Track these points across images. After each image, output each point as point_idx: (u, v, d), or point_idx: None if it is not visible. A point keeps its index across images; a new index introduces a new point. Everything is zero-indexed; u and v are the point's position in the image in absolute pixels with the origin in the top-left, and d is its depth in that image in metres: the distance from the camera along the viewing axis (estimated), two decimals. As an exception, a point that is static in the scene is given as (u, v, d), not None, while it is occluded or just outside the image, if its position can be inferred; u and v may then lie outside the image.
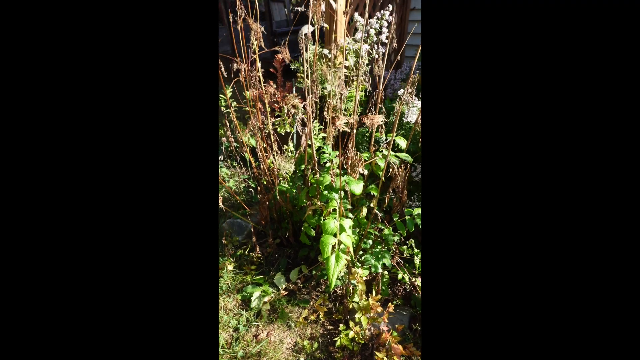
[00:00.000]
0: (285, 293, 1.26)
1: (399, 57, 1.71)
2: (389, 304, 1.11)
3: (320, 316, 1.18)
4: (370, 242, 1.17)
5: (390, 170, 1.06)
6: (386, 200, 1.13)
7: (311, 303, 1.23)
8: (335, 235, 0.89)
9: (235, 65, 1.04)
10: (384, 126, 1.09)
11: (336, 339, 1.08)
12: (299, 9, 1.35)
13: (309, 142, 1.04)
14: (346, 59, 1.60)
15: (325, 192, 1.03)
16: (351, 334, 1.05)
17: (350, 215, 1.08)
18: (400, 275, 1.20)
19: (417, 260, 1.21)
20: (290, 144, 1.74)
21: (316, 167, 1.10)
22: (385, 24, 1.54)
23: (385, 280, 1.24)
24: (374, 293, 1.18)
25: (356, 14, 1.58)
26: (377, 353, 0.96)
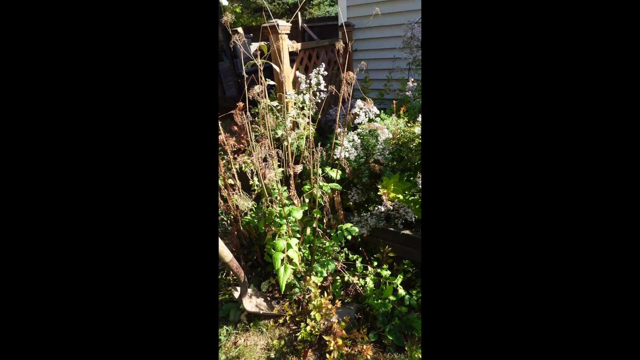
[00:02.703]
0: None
1: (343, 96, 2.09)
2: (337, 301, 1.42)
3: (287, 319, 1.46)
4: (318, 254, 1.49)
5: (327, 197, 1.40)
6: (329, 220, 1.45)
7: (278, 307, 1.51)
8: (283, 252, 1.20)
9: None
10: (318, 162, 1.44)
11: (298, 334, 1.36)
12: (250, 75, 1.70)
13: (261, 184, 1.36)
14: (293, 108, 1.96)
15: (277, 220, 1.35)
16: (308, 328, 1.33)
17: (298, 235, 1.40)
18: (346, 278, 1.51)
19: (357, 264, 1.53)
20: (255, 178, 2.06)
21: (268, 201, 1.42)
22: (321, 78, 1.93)
23: (338, 284, 1.55)
24: (325, 294, 1.48)
25: (297, 72, 1.96)
26: (324, 337, 1.25)
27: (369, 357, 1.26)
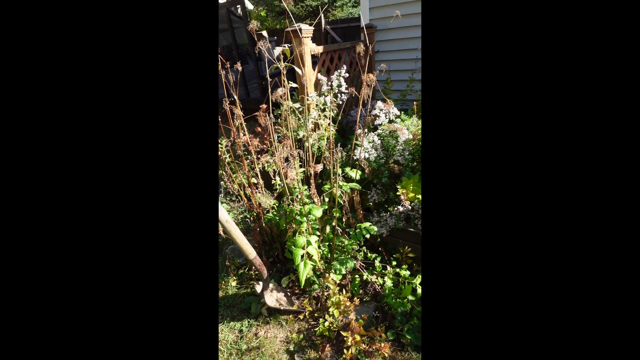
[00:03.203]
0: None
1: (363, 98, 2.12)
2: (355, 299, 1.44)
3: (306, 315, 1.50)
4: (338, 252, 1.52)
5: (346, 196, 1.43)
6: (348, 219, 1.48)
7: (297, 302, 1.56)
8: (303, 248, 1.25)
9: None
10: (338, 163, 1.47)
11: (316, 329, 1.40)
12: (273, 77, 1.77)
13: (283, 183, 1.42)
14: (314, 109, 2.01)
15: (297, 217, 1.40)
16: (327, 323, 1.37)
17: (318, 233, 1.44)
18: (365, 276, 1.53)
19: (376, 264, 1.55)
20: (277, 178, 2.12)
21: (289, 199, 1.47)
22: (342, 80, 1.96)
23: (356, 282, 1.57)
24: (344, 292, 1.51)
25: (319, 75, 2.01)
26: (342, 332, 1.28)
27: (386, 355, 1.27)
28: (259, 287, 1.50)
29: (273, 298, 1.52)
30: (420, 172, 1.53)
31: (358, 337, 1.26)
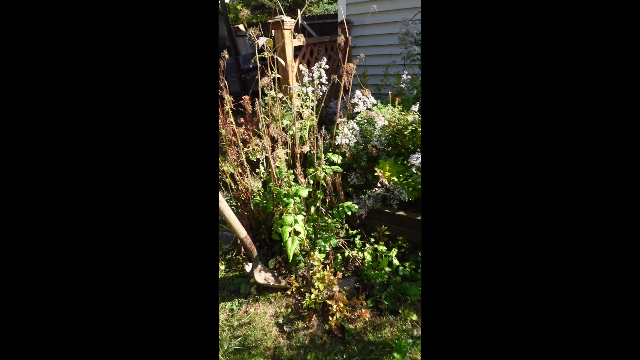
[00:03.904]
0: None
1: (344, 85, 2.23)
2: (338, 273, 1.57)
3: (293, 291, 1.61)
4: (322, 232, 1.63)
5: (329, 178, 1.54)
6: (331, 200, 1.60)
7: (284, 281, 1.66)
8: (291, 225, 1.35)
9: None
10: (322, 148, 1.58)
11: (303, 302, 1.51)
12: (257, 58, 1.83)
13: (274, 166, 1.51)
14: (297, 99, 2.10)
15: (285, 199, 1.49)
16: (313, 296, 1.48)
17: (304, 213, 1.54)
18: (346, 253, 1.66)
19: (357, 241, 1.68)
20: (261, 167, 2.20)
21: (277, 182, 1.56)
22: (322, 71, 2.06)
23: (339, 260, 1.70)
24: (328, 269, 1.63)
25: (301, 66, 2.10)
26: (327, 301, 1.40)
27: (367, 319, 1.41)
28: (248, 267, 1.58)
29: (262, 277, 1.61)
30: (421, 167, 1.67)
31: (342, 305, 1.38)
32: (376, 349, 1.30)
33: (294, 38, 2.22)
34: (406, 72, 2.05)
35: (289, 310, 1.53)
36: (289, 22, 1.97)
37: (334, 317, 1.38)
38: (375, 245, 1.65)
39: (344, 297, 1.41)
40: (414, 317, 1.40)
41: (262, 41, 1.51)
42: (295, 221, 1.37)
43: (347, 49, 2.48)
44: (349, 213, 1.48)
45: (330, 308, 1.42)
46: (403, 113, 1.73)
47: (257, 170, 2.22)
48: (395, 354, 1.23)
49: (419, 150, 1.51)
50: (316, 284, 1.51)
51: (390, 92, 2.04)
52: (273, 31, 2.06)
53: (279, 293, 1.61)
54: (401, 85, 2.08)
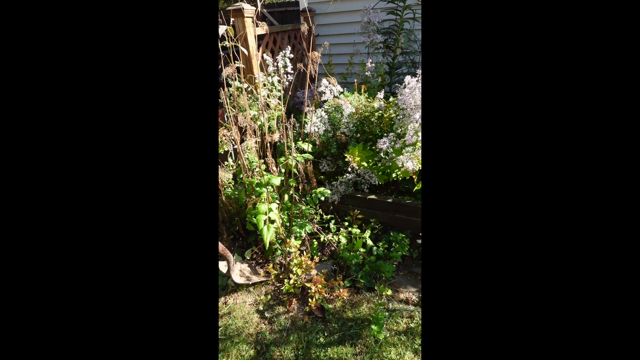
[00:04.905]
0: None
1: (310, 74, 2.24)
2: (315, 257, 1.61)
3: (272, 279, 1.63)
4: (297, 220, 1.66)
5: (300, 166, 1.57)
6: (304, 188, 1.63)
7: (262, 271, 1.68)
8: (265, 214, 1.36)
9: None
10: (292, 137, 1.59)
11: (282, 288, 1.54)
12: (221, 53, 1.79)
13: (244, 157, 1.49)
14: (263, 89, 2.08)
15: (257, 189, 1.50)
16: (291, 281, 1.52)
17: (277, 201, 1.56)
18: (322, 238, 1.71)
19: (331, 225, 1.73)
20: (230, 159, 2.16)
21: (248, 173, 1.56)
22: (287, 60, 2.06)
23: (315, 246, 1.74)
24: (305, 254, 1.67)
25: (265, 55, 2.07)
26: (306, 284, 1.45)
27: (345, 298, 1.48)
28: (223, 267, 1.57)
29: (238, 274, 1.61)
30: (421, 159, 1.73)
31: (320, 286, 1.43)
32: (355, 324, 1.37)
33: (257, 26, 2.18)
34: (370, 60, 2.11)
35: (269, 297, 1.55)
36: (249, 9, 1.93)
37: (314, 299, 1.43)
38: (350, 229, 1.72)
39: (322, 279, 1.46)
40: (389, 292, 1.49)
41: (222, 29, 1.47)
42: (270, 209, 1.39)
43: (311, 37, 2.48)
44: (322, 199, 1.52)
45: (309, 291, 1.47)
46: (369, 100, 1.79)
47: (226, 162, 2.18)
48: (373, 326, 1.31)
49: (385, 135, 1.58)
50: (294, 269, 1.54)
51: (355, 80, 2.08)
52: (233, 19, 2.01)
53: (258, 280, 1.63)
54: (366, 73, 2.13)
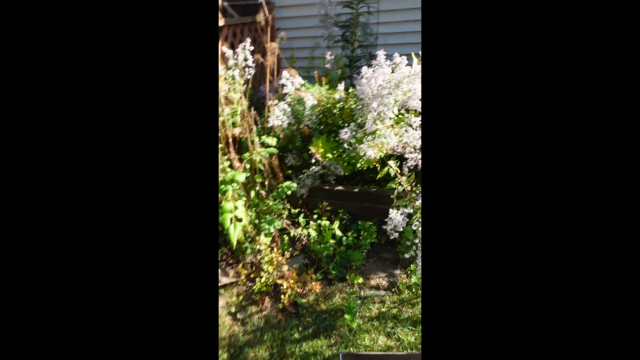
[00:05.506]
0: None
1: (270, 67, 2.19)
2: (286, 253, 1.60)
3: (243, 279, 1.59)
4: (265, 217, 1.63)
5: (265, 161, 1.53)
6: (270, 182, 1.59)
7: (232, 271, 1.63)
8: (231, 212, 1.31)
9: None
10: (255, 132, 1.55)
11: (254, 287, 1.51)
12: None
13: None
14: (224, 83, 2.00)
15: (221, 186, 1.44)
16: (263, 279, 1.49)
17: (243, 198, 1.52)
18: (292, 233, 1.69)
19: (300, 219, 1.72)
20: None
21: (210, 171, 1.49)
22: (248, 53, 1.99)
23: (285, 242, 1.72)
24: (275, 250, 1.65)
25: (224, 48, 1.99)
26: (278, 281, 1.43)
27: (317, 291, 1.48)
28: None
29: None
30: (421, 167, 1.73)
31: (292, 281, 1.42)
32: (329, 315, 1.38)
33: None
34: (329, 53, 2.11)
35: (240, 297, 1.51)
36: (202, 0, 1.83)
37: (286, 295, 1.42)
38: (319, 221, 1.72)
39: (294, 274, 1.45)
40: (360, 280, 1.51)
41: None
42: (236, 207, 1.34)
43: (270, 28, 2.43)
44: (289, 192, 1.51)
45: (281, 287, 1.45)
46: (330, 92, 1.79)
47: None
48: (346, 316, 1.32)
49: (347, 125, 1.59)
50: (265, 267, 1.51)
51: (316, 73, 2.08)
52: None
53: (228, 282, 1.57)
54: (326, 65, 2.13)
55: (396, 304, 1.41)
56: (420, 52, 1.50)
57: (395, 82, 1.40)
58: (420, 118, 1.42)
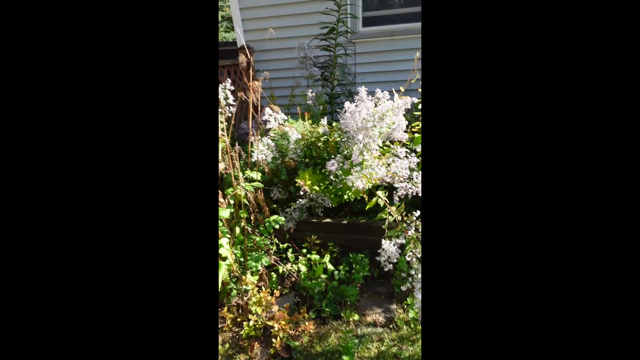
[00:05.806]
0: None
1: (253, 104, 2.23)
2: (275, 292, 1.50)
3: (228, 324, 1.46)
4: (251, 254, 1.55)
5: (250, 195, 1.50)
6: (256, 218, 1.54)
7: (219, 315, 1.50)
8: (216, 251, 1.24)
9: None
10: (238, 167, 1.53)
11: (242, 332, 1.38)
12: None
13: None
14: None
15: (205, 224, 1.38)
16: (252, 323, 1.38)
17: (228, 235, 1.45)
18: (281, 270, 1.61)
19: (289, 254, 1.66)
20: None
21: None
22: (228, 92, 2.04)
23: (274, 279, 1.63)
24: (264, 289, 1.55)
25: (204, 88, 2.03)
26: (268, 322, 1.32)
27: (311, 331, 1.38)
28: None
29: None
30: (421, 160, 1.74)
31: (283, 323, 1.32)
32: (325, 358, 1.27)
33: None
34: (310, 91, 2.20)
35: (227, 346, 1.37)
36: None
37: (278, 339, 1.31)
38: (308, 256, 1.66)
39: (285, 315, 1.35)
40: (356, 317, 1.44)
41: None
42: (220, 245, 1.27)
43: (250, 69, 2.53)
44: (277, 227, 1.46)
45: (272, 330, 1.34)
46: (314, 126, 1.84)
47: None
48: (344, 357, 1.23)
49: (332, 157, 1.61)
50: (253, 308, 1.41)
51: (299, 109, 2.14)
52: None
53: (212, 331, 1.44)
54: (308, 102, 2.21)
55: (395, 342, 1.33)
56: (401, 88, 1.60)
57: (379, 115, 1.45)
58: (404, 149, 1.47)
